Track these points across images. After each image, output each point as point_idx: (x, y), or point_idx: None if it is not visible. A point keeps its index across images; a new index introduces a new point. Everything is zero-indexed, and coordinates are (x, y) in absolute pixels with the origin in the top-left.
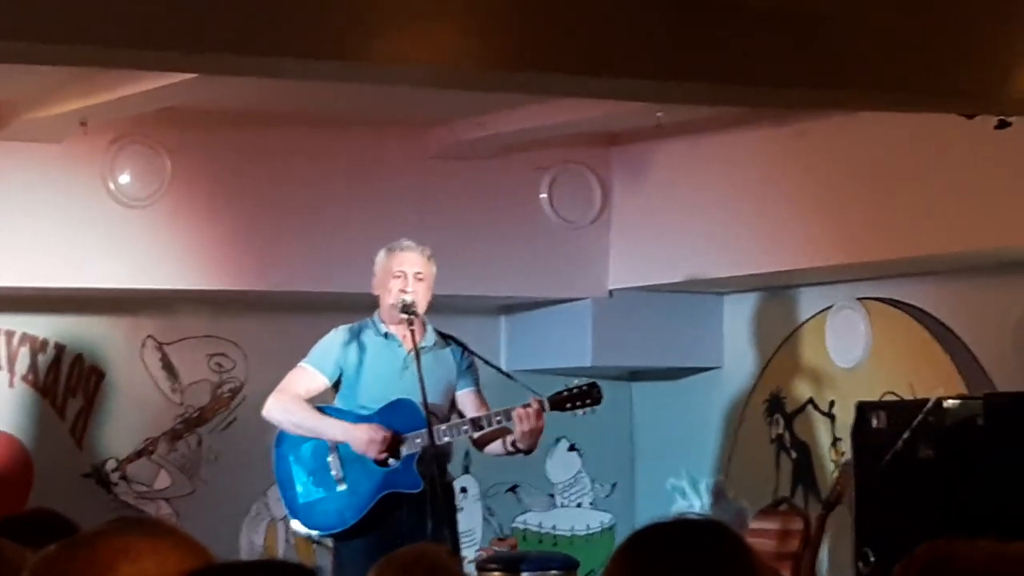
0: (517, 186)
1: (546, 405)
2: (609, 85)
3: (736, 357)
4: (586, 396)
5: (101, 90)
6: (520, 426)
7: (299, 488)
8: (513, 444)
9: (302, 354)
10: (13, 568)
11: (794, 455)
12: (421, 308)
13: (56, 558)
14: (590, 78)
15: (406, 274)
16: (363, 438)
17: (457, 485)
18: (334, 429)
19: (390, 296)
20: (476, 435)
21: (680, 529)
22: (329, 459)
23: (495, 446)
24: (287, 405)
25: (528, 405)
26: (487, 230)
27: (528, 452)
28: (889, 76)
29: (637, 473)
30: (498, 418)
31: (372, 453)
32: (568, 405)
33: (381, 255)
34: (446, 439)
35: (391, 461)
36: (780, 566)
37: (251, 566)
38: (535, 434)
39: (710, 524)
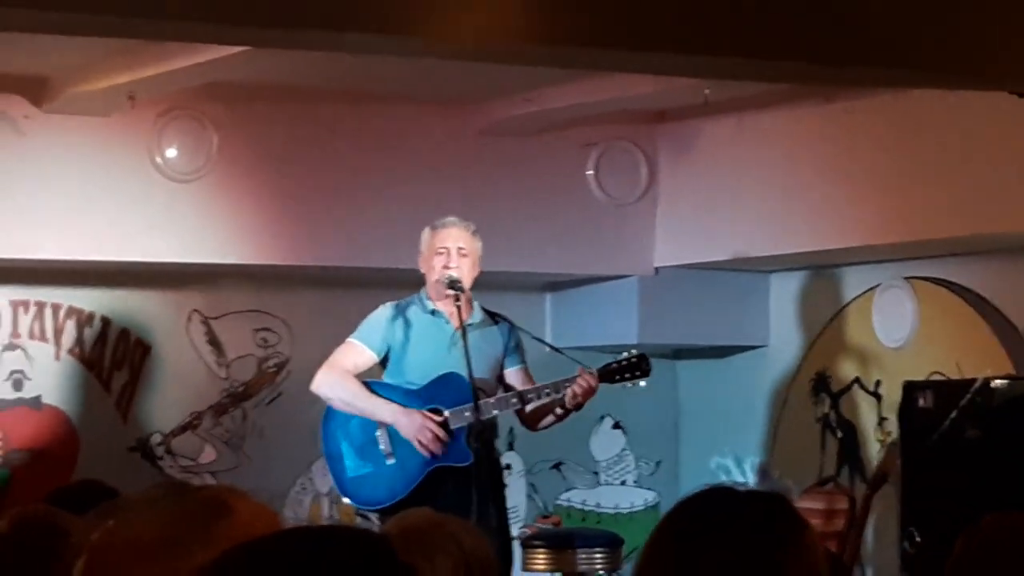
0: (563, 163)
1: (595, 376)
2: (657, 60)
3: (782, 336)
4: (635, 368)
5: (149, 64)
6: (573, 400)
7: (347, 463)
8: (561, 406)
9: (347, 330)
10: (72, 544)
11: (840, 434)
12: (466, 283)
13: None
14: (638, 53)
15: (449, 250)
16: (415, 425)
17: (502, 462)
18: (384, 411)
19: (435, 273)
20: (529, 408)
21: (727, 498)
22: (378, 433)
23: (547, 420)
24: (337, 381)
25: (577, 376)
26: (533, 207)
27: (577, 409)
28: (938, 54)
29: (681, 451)
30: (546, 391)
31: (422, 439)
32: (617, 377)
33: (425, 232)
34: (493, 412)
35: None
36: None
37: (322, 532)
38: (588, 398)
39: (759, 494)
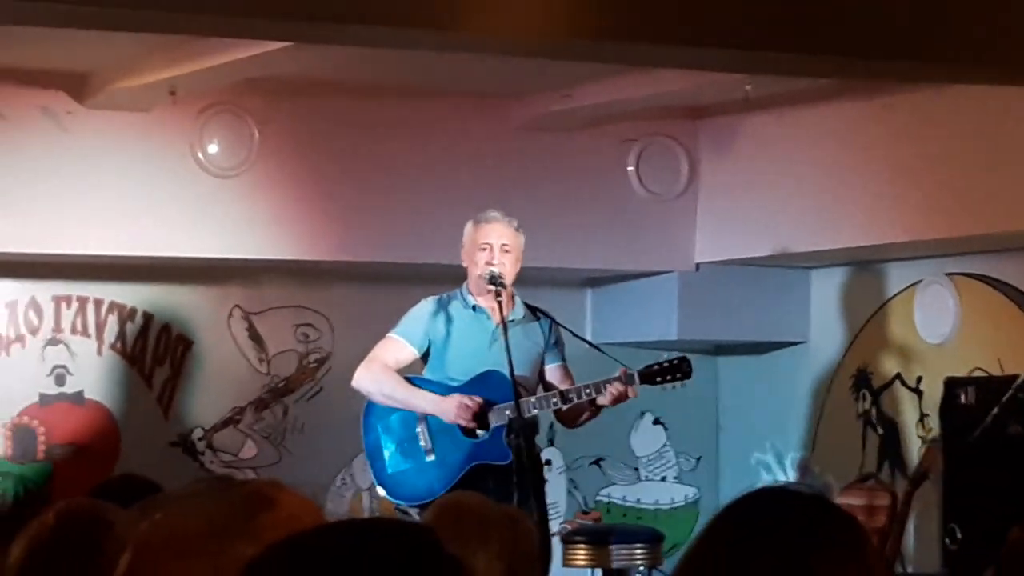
0: (604, 159)
1: (636, 379)
2: (698, 55)
3: (823, 332)
4: (676, 370)
5: (190, 59)
6: (610, 402)
7: (387, 458)
8: (593, 403)
9: (388, 325)
10: (117, 537)
11: (881, 431)
12: (508, 280)
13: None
14: (679, 48)
15: (492, 246)
16: (452, 405)
17: (542, 458)
18: (424, 401)
19: (477, 268)
20: (565, 408)
21: (774, 502)
22: (418, 429)
23: (583, 417)
24: (378, 375)
25: (617, 379)
26: (574, 202)
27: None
28: (980, 49)
29: (722, 447)
30: (587, 390)
31: (462, 419)
32: (658, 379)
33: (468, 227)
34: (534, 411)
35: (479, 432)
36: None
37: (367, 525)
38: (621, 402)
39: (817, 497)
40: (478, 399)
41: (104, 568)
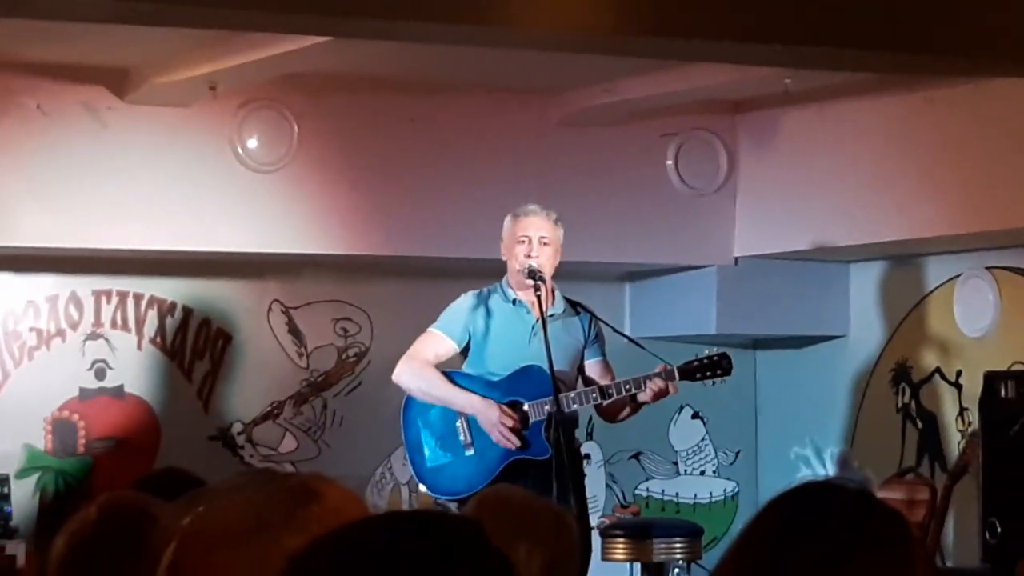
0: (643, 153)
1: (676, 374)
2: (740, 50)
3: (862, 326)
4: (716, 366)
5: (230, 55)
6: (651, 398)
7: (427, 452)
8: (633, 399)
9: (427, 319)
10: (161, 530)
11: (920, 425)
12: (547, 272)
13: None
14: (722, 43)
15: (530, 239)
16: (489, 419)
17: (581, 452)
18: (463, 401)
19: (516, 262)
20: (606, 403)
21: (816, 497)
22: (458, 424)
23: (623, 413)
24: (418, 371)
25: (657, 375)
26: (612, 197)
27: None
28: (1020, 44)
29: (761, 441)
30: (627, 386)
31: (495, 436)
32: (698, 375)
33: (507, 221)
34: (574, 407)
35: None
36: None
37: (415, 518)
38: (662, 398)
39: (861, 492)
40: (517, 423)
41: (148, 562)
